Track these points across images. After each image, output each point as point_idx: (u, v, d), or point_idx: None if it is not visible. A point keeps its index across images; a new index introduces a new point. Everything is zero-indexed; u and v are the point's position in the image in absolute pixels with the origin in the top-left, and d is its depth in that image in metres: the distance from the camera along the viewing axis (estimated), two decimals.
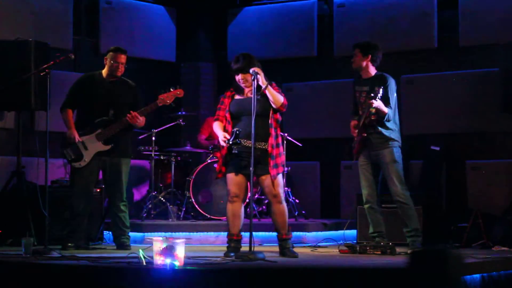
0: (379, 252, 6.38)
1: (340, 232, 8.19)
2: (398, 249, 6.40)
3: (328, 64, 9.41)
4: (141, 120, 6.69)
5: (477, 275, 5.16)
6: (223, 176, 6.13)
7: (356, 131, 6.66)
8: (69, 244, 6.58)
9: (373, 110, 6.39)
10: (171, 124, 8.66)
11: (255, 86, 5.83)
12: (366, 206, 6.70)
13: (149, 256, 5.02)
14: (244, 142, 5.88)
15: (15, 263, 5.38)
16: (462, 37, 8.49)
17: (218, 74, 10.07)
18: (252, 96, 5.80)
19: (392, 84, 6.60)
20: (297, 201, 8.40)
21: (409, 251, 6.28)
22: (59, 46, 8.01)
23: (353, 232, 7.86)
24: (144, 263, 4.99)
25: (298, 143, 8.39)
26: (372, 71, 6.68)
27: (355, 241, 7.51)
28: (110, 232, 7.05)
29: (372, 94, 6.35)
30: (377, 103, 6.35)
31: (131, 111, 6.59)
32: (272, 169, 5.95)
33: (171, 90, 6.67)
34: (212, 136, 8.86)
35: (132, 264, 5.03)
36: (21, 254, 5.77)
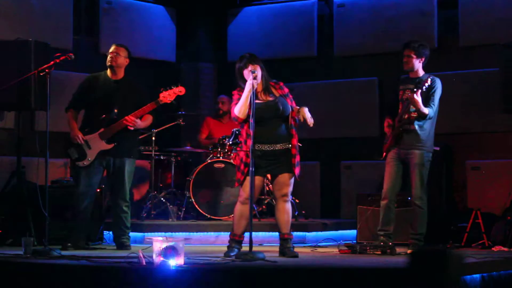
0: (379, 252, 6.38)
1: (340, 232, 8.20)
2: (398, 249, 6.40)
3: (328, 64, 9.41)
4: (140, 123, 6.68)
5: (477, 275, 5.16)
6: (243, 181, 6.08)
7: (390, 130, 6.63)
8: (69, 244, 6.58)
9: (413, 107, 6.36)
10: (171, 124, 8.65)
11: (252, 83, 5.86)
12: (382, 202, 6.64)
13: (149, 256, 5.02)
14: (270, 147, 5.96)
15: (15, 263, 5.38)
16: (462, 37, 8.50)
17: (218, 74, 10.08)
18: (252, 94, 5.84)
19: (439, 86, 6.55)
20: (297, 201, 8.40)
21: (409, 251, 6.28)
22: (59, 46, 8.00)
23: (353, 232, 7.86)
24: (144, 263, 4.99)
25: (298, 143, 8.39)
26: (421, 72, 6.64)
27: (355, 241, 7.51)
28: (110, 232, 7.05)
29: (415, 89, 6.34)
30: (417, 98, 6.32)
31: (126, 116, 6.59)
32: (295, 168, 6.03)
33: (173, 88, 6.67)
34: (212, 136, 8.87)
35: (132, 264, 5.03)
36: (21, 254, 5.77)
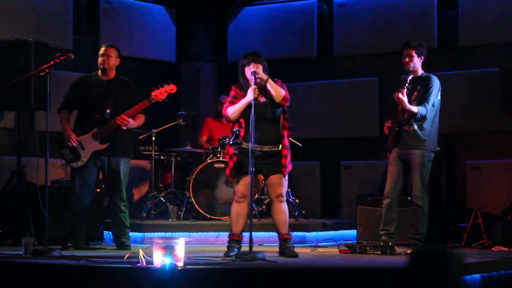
0: (379, 252, 6.38)
1: (340, 232, 8.20)
2: (398, 249, 6.40)
3: (328, 64, 9.41)
4: (133, 121, 6.68)
5: (477, 275, 5.17)
6: (233, 180, 6.13)
7: (391, 129, 6.64)
8: (69, 244, 6.59)
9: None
10: (171, 124, 8.65)
11: (253, 83, 5.94)
12: (384, 201, 6.65)
13: (149, 256, 5.02)
14: (259, 147, 5.95)
15: (15, 263, 5.38)
16: (462, 37, 8.49)
17: (218, 74, 10.07)
18: (252, 89, 5.91)
19: (435, 84, 6.54)
20: (297, 201, 8.40)
21: (409, 251, 6.28)
22: (59, 46, 8.01)
23: (353, 232, 7.86)
24: (144, 263, 4.99)
25: (298, 143, 8.39)
26: (420, 71, 6.65)
27: (355, 241, 7.51)
28: (110, 232, 7.05)
29: (400, 88, 6.35)
30: (401, 97, 6.32)
31: (119, 116, 6.58)
32: (285, 168, 6.04)
33: (164, 86, 6.70)
34: (212, 137, 8.87)
35: (132, 264, 5.03)
36: (21, 254, 5.77)
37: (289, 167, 6.10)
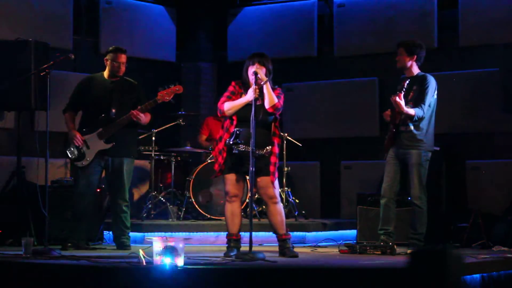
0: (379, 252, 6.38)
1: (340, 232, 8.20)
2: (398, 249, 6.40)
3: (328, 64, 9.42)
4: (144, 117, 6.69)
5: (477, 275, 5.16)
6: (221, 176, 6.16)
7: (389, 118, 6.63)
8: (69, 244, 6.59)
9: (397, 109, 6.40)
10: (171, 124, 8.66)
11: (253, 83, 5.95)
12: (381, 200, 6.65)
13: (149, 256, 5.02)
14: (247, 148, 5.91)
15: (15, 263, 5.38)
16: (462, 37, 8.50)
17: (218, 74, 10.08)
18: (254, 89, 5.91)
19: (431, 84, 6.53)
20: (297, 201, 8.40)
21: (409, 251, 6.28)
22: (59, 46, 8.01)
23: (353, 232, 7.86)
24: (144, 263, 4.99)
25: (298, 143, 8.39)
26: (415, 70, 6.65)
27: (355, 241, 7.51)
28: (110, 232, 7.05)
29: (397, 92, 6.36)
30: (399, 101, 6.33)
31: (133, 111, 6.60)
32: (272, 175, 6.01)
33: (171, 86, 6.71)
34: (212, 136, 8.87)
35: (132, 264, 5.04)
36: (21, 254, 5.77)
37: (276, 174, 6.06)
